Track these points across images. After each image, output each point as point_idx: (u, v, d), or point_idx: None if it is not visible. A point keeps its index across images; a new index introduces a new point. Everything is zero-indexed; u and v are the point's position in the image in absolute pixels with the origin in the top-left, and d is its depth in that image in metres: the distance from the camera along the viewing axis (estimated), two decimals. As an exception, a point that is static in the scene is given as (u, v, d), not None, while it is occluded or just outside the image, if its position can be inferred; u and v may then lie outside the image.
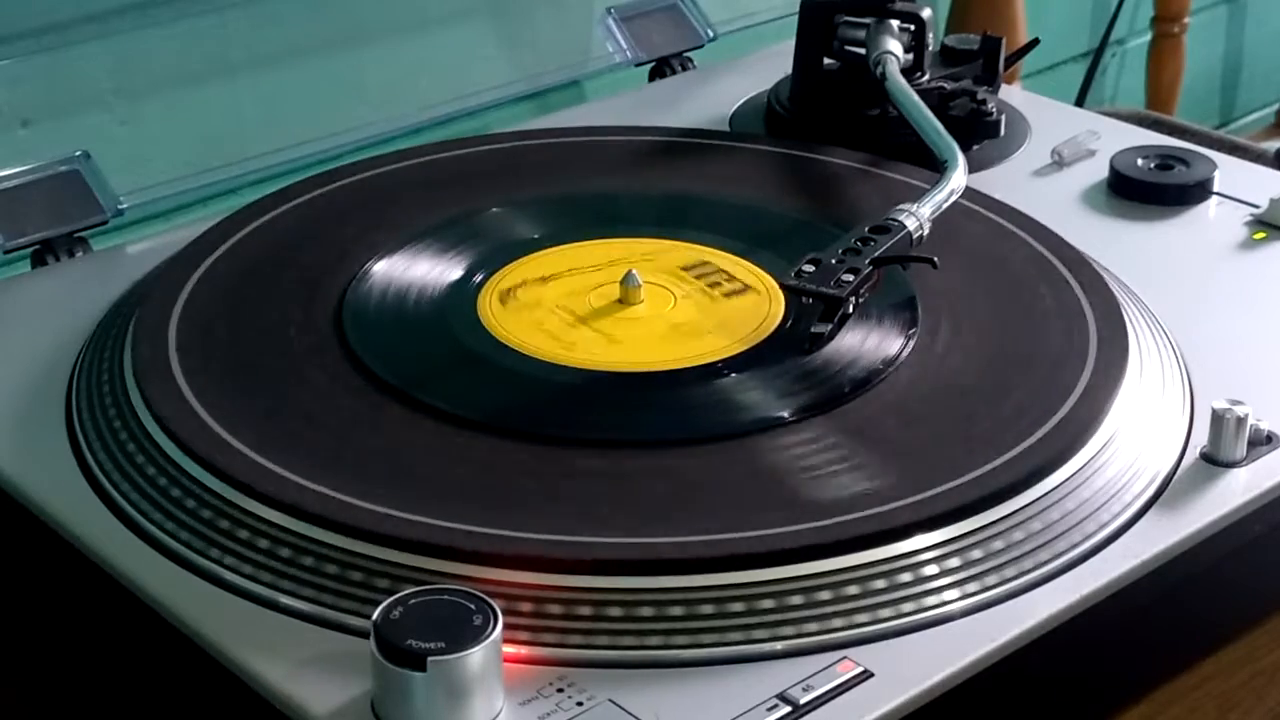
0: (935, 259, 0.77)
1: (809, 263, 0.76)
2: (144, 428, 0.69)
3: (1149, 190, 0.91)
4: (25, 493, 0.69)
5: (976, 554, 0.63)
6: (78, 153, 0.91)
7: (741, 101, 1.04)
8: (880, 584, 0.62)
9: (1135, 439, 0.70)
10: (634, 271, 0.78)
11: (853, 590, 0.61)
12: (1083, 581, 0.63)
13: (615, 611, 0.60)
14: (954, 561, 0.63)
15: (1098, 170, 0.94)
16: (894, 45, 0.95)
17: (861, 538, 0.62)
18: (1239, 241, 0.87)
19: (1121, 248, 0.86)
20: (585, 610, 0.60)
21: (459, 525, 0.62)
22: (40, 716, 0.70)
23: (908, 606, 0.61)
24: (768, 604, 0.60)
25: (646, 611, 0.60)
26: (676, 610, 0.60)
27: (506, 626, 0.57)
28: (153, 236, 0.90)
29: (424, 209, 0.87)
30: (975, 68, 0.99)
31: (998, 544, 0.64)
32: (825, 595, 0.61)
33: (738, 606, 0.60)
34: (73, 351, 0.77)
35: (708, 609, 0.60)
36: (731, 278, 0.80)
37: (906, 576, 0.62)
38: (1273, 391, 0.74)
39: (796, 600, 0.61)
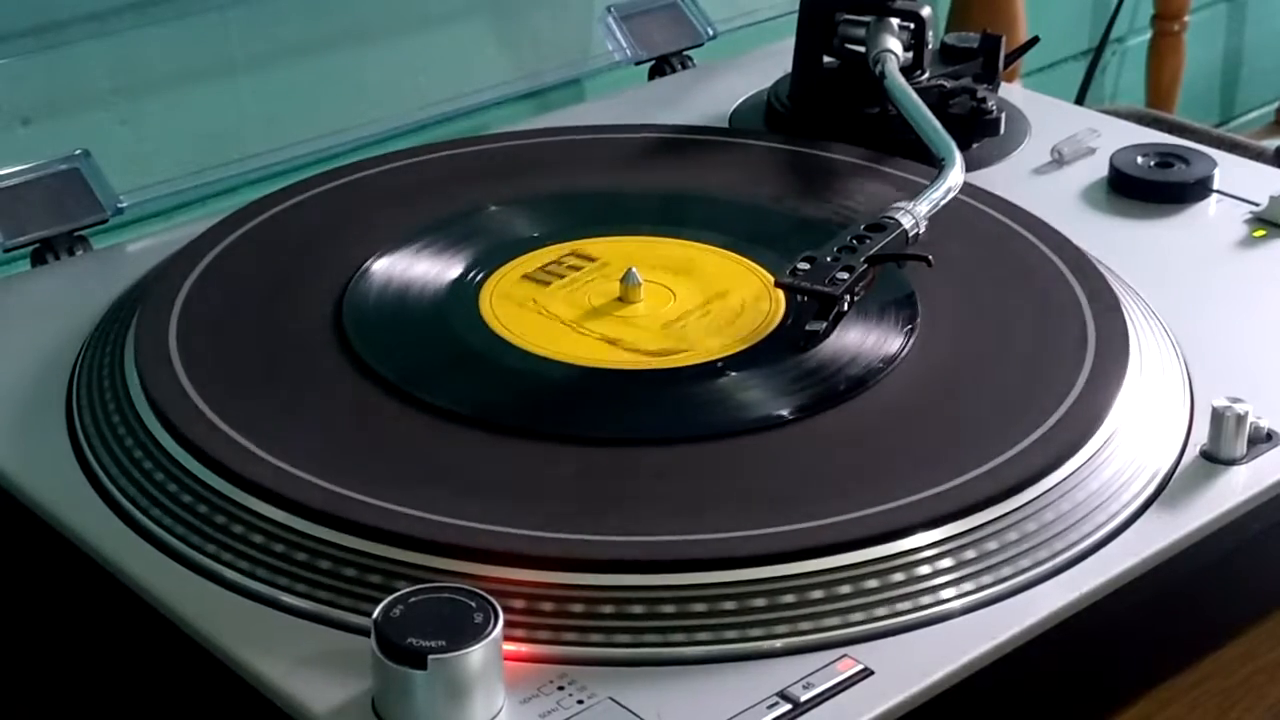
0: (929, 257, 0.77)
1: (804, 260, 0.76)
2: (145, 425, 0.69)
3: (1149, 188, 0.91)
4: (25, 491, 0.69)
5: (976, 552, 0.63)
6: (78, 151, 0.91)
7: (741, 100, 1.04)
8: (880, 582, 0.62)
9: (1135, 437, 0.70)
10: (634, 270, 0.78)
11: (853, 588, 0.61)
12: (1083, 579, 0.63)
13: (615, 609, 0.60)
14: (954, 559, 0.63)
15: (1098, 168, 0.94)
16: (894, 43, 0.95)
17: (862, 536, 0.62)
18: (1239, 239, 0.87)
19: (1121, 245, 0.86)
20: (586, 608, 0.60)
21: (459, 522, 0.62)
22: (40, 716, 0.70)
23: (908, 604, 0.61)
24: (768, 602, 0.60)
25: (647, 609, 0.60)
26: (676, 608, 0.60)
27: (507, 624, 0.57)
28: (153, 235, 0.90)
29: (424, 207, 0.87)
30: (975, 66, 0.99)
31: (998, 542, 0.64)
32: (825, 593, 0.61)
33: (738, 605, 0.60)
34: (73, 350, 0.77)
35: (708, 607, 0.60)
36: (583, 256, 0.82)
37: (907, 574, 0.62)
38: (1273, 389, 0.73)
39: (796, 598, 0.61)
